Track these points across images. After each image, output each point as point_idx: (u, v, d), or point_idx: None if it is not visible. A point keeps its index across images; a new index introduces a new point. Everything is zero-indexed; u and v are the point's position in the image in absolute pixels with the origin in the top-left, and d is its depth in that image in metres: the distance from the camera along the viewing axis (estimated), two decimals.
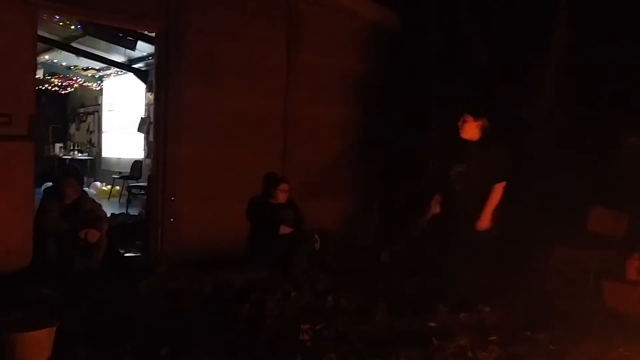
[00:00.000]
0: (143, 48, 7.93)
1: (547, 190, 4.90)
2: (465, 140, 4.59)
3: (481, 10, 6.66)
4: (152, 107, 7.43)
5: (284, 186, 5.56)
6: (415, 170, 7.29)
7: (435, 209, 4.65)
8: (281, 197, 5.52)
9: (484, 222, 4.35)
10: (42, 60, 9.42)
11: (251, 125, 5.85)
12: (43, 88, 10.92)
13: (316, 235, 5.36)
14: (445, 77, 7.17)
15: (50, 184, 4.93)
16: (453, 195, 4.53)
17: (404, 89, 7.31)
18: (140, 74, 9.13)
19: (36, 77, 5.42)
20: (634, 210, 5.06)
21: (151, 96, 8.26)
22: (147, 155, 8.91)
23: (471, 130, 4.55)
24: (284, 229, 5.33)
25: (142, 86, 9.31)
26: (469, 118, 4.57)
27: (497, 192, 4.37)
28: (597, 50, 6.03)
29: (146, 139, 9.14)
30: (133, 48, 7.93)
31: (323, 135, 6.45)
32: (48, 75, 10.92)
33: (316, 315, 3.98)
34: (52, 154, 11.63)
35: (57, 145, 11.84)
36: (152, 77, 8.14)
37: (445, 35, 7.15)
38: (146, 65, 8.90)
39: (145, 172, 8.32)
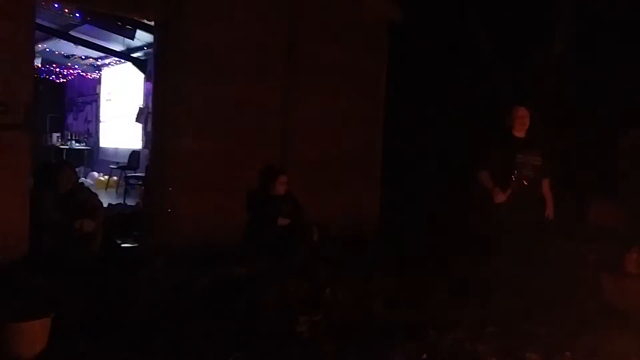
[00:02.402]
0: (142, 37, 7.86)
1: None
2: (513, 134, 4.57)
3: (485, 4, 6.64)
4: (150, 97, 7.37)
5: (282, 178, 5.53)
6: (420, 163, 7.28)
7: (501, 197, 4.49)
8: (280, 189, 5.50)
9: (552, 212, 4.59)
10: (40, 48, 9.34)
11: (251, 115, 5.81)
12: (40, 77, 10.85)
13: (314, 227, 5.33)
14: (448, 70, 7.15)
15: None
16: (527, 186, 4.51)
17: (406, 80, 7.29)
18: (139, 64, 9.06)
19: (34, 65, 5.36)
20: (633, 204, 5.06)
21: (150, 86, 8.21)
22: (145, 146, 8.86)
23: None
24: (282, 221, 5.31)
25: (140, 76, 9.24)
26: (528, 113, 4.58)
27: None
28: (598, 48, 6.01)
29: (144, 129, 9.09)
30: (132, 37, 7.87)
31: (324, 126, 6.41)
32: (46, 64, 10.85)
33: (314, 307, 3.97)
34: (49, 143, 11.57)
35: (55, 135, 11.77)
36: (150, 67, 8.08)
37: (448, 28, 7.13)
38: (145, 54, 8.83)
39: (143, 163, 8.27)
